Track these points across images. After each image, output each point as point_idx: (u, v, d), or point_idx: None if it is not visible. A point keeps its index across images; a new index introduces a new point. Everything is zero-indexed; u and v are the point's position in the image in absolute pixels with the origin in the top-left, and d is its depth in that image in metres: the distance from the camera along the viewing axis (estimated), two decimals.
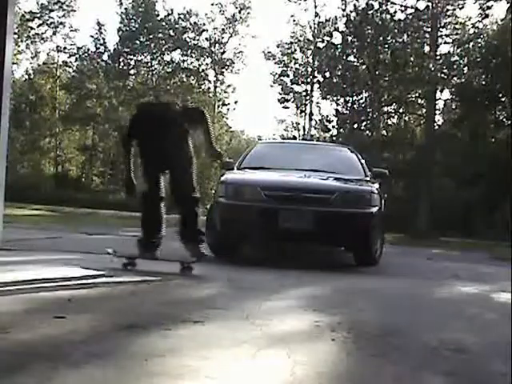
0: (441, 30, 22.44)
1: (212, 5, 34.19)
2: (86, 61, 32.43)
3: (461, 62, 22.42)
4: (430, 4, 21.79)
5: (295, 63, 30.77)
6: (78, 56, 32.27)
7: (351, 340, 2.79)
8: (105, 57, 32.61)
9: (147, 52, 32.65)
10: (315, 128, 29.25)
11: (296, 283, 4.81)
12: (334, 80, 24.67)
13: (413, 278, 5.89)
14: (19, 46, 28.72)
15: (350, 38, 23.38)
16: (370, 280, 5.40)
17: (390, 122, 27.06)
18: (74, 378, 2.02)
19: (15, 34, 25.48)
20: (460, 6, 22.59)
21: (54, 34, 31.08)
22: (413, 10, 22.00)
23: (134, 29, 32.20)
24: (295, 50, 31.06)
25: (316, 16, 28.85)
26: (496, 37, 21.69)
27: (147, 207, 5.50)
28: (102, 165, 32.79)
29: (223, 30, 33.74)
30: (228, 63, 34.11)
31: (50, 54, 32.80)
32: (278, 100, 30.47)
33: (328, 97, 26.38)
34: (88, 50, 32.13)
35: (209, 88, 34.59)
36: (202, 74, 33.78)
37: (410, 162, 22.46)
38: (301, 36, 30.83)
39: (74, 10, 30.86)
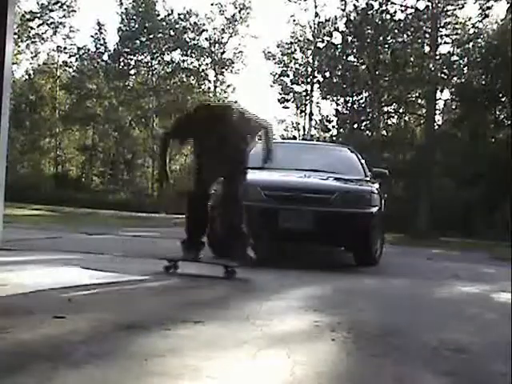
0: (441, 29, 22.45)
1: (212, 5, 34.25)
2: (86, 61, 32.45)
3: (461, 62, 22.44)
4: (429, 4, 21.80)
5: (295, 63, 30.77)
6: (78, 56, 32.30)
7: (351, 340, 2.79)
8: (105, 57, 32.66)
9: (147, 52, 32.67)
10: (315, 128, 29.27)
11: (296, 283, 4.81)
12: (334, 80, 24.69)
13: (413, 278, 5.89)
14: (19, 46, 28.73)
15: (350, 38, 23.39)
16: (370, 280, 5.39)
17: (390, 122, 27.08)
18: (75, 378, 2.02)
19: (15, 34, 25.48)
20: (460, 6, 22.61)
21: (54, 33, 31.10)
22: (413, 10, 22.01)
23: (134, 29, 32.22)
24: (295, 50, 31.06)
25: (316, 16, 28.86)
26: (496, 37, 21.70)
27: (194, 208, 5.31)
28: (102, 165, 32.80)
29: (223, 30, 33.76)
30: (228, 63, 34.12)
31: (50, 54, 32.85)
32: (278, 100, 30.48)
33: (328, 97, 26.40)
34: (88, 50, 32.19)
35: (209, 88, 34.61)
36: (202, 73, 33.80)
37: (410, 161, 22.48)
38: (301, 36, 30.84)
39: (74, 10, 30.90)
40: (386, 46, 22.88)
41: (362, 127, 24.96)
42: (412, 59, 22.18)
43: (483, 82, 21.80)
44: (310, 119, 29.23)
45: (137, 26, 32.24)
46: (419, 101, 24.02)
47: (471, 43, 22.24)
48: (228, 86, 34.88)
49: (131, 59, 32.87)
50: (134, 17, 32.29)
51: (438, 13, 21.96)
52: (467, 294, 5.00)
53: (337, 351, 2.61)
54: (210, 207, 5.33)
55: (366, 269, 6.23)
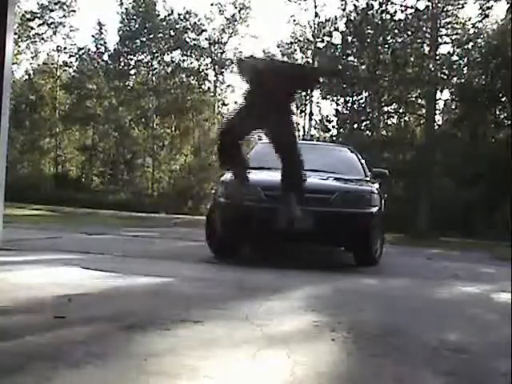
0: (441, 29, 22.44)
1: (212, 5, 34.32)
2: (86, 61, 32.45)
3: (461, 62, 22.43)
4: (429, 4, 21.79)
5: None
6: (78, 56, 32.30)
7: (351, 340, 2.79)
8: (105, 57, 32.67)
9: (147, 52, 32.68)
10: (315, 128, 29.28)
11: (296, 283, 4.81)
12: (334, 80, 24.66)
13: (413, 278, 5.89)
14: (19, 46, 28.74)
15: (349, 38, 23.38)
16: (370, 280, 5.39)
17: (389, 122, 27.08)
18: (75, 378, 2.02)
19: (15, 34, 25.49)
20: (460, 6, 22.61)
21: (54, 33, 31.14)
22: (413, 10, 22.00)
23: (134, 29, 32.24)
24: (295, 50, 31.09)
25: (316, 16, 28.88)
26: (496, 37, 21.69)
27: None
28: (102, 165, 32.80)
29: (223, 30, 33.77)
30: (228, 63, 34.13)
31: (50, 53, 32.86)
32: None
33: (328, 97, 26.39)
34: (88, 50, 32.21)
35: (209, 88, 34.62)
36: (202, 73, 33.80)
37: (410, 161, 22.46)
38: (301, 36, 30.88)
39: (74, 10, 30.94)
40: (386, 46, 22.87)
41: (362, 127, 24.95)
42: (412, 59, 22.16)
43: (483, 82, 21.78)
44: (310, 119, 29.24)
45: (137, 26, 32.25)
46: (419, 101, 24.00)
47: (471, 43, 22.24)
48: (228, 85, 34.91)
49: (131, 59, 32.89)
50: (134, 17, 32.30)
51: (438, 13, 21.95)
52: (467, 294, 5.00)
53: (337, 351, 2.61)
54: (209, 209, 5.34)
55: (366, 269, 6.23)
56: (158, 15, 32.45)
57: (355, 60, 24.04)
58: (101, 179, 32.25)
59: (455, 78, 22.48)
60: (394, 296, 4.55)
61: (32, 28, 29.96)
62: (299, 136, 30.56)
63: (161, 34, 32.28)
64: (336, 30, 24.84)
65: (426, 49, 22.53)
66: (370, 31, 22.58)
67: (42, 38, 31.05)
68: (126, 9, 32.42)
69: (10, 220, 7.46)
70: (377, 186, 6.88)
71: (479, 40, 22.32)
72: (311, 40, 29.26)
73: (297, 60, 30.67)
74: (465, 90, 21.42)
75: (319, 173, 6.84)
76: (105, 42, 32.45)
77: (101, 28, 32.23)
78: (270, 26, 56.18)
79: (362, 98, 25.33)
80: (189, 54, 32.89)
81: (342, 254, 7.22)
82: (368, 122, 24.94)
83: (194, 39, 33.03)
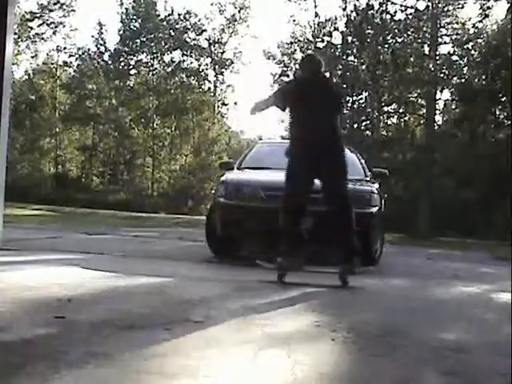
0: (441, 29, 22.44)
1: (211, 5, 34.28)
2: (86, 61, 32.44)
3: (461, 62, 22.42)
4: (429, 4, 21.78)
5: (295, 63, 30.76)
6: (78, 56, 32.31)
7: (351, 340, 2.78)
8: (105, 57, 32.66)
9: (147, 52, 32.67)
10: None
11: (296, 283, 4.80)
12: (334, 80, 24.65)
13: (413, 278, 5.89)
14: (19, 46, 28.72)
15: (350, 38, 23.38)
16: (370, 280, 5.39)
17: (389, 122, 27.06)
18: (75, 378, 2.02)
19: (15, 34, 25.49)
20: (460, 6, 22.61)
21: (54, 33, 31.11)
22: (413, 10, 21.99)
23: (134, 29, 32.23)
24: (295, 50, 31.06)
25: (316, 16, 28.84)
26: (496, 37, 21.68)
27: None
28: (102, 165, 32.81)
29: (223, 30, 33.77)
30: (228, 63, 34.13)
31: (50, 53, 32.85)
32: None
33: None
34: (88, 49, 32.21)
35: (209, 88, 34.62)
36: (202, 73, 33.80)
37: (410, 161, 22.45)
38: (301, 36, 30.83)
39: (74, 10, 30.90)
40: (386, 46, 22.86)
41: (362, 127, 24.95)
42: (412, 59, 22.16)
43: (483, 82, 21.78)
44: None
45: (137, 25, 32.26)
46: (419, 101, 24.00)
47: (471, 43, 22.23)
48: (228, 86, 34.91)
49: (131, 59, 32.89)
50: (134, 17, 32.31)
51: (438, 13, 21.94)
52: (467, 294, 5.00)
53: (337, 351, 2.61)
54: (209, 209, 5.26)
55: (366, 269, 6.23)
56: (158, 15, 32.45)
57: (355, 60, 24.03)
58: (101, 179, 32.25)
59: (455, 78, 22.48)
60: (393, 296, 4.55)
61: (32, 28, 29.95)
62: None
63: (161, 34, 32.28)
64: (336, 29, 24.82)
65: (426, 49, 22.52)
66: (370, 31, 22.57)
67: (42, 38, 31.04)
68: (126, 9, 32.42)
69: (10, 220, 7.46)
70: (377, 186, 6.88)
71: (479, 40, 22.31)
72: (311, 40, 29.24)
73: (296, 60, 30.65)
74: (465, 89, 21.41)
75: None
76: (105, 42, 32.49)
77: (101, 28, 32.27)
78: (270, 26, 56.33)
79: (361, 98, 25.32)
80: (189, 54, 32.89)
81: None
82: (368, 121, 24.93)
83: (194, 39, 33.04)
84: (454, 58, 22.17)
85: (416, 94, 23.57)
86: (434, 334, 3.07)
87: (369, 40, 22.72)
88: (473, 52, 22.11)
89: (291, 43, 31.05)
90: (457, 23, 22.79)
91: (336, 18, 26.17)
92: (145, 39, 32.32)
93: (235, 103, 34.74)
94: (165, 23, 32.34)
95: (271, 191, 6.21)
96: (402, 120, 26.47)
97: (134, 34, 32.10)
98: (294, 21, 30.52)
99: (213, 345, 2.53)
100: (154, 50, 32.49)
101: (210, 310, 3.27)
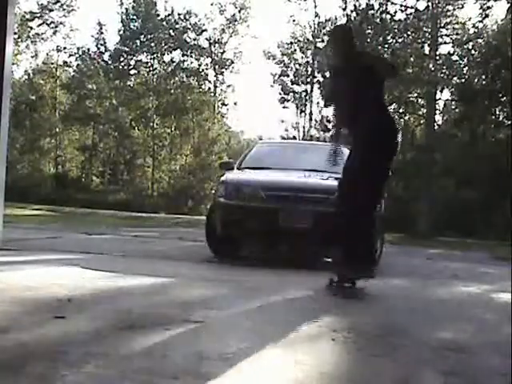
0: (441, 30, 22.43)
1: (212, 5, 34.33)
2: (86, 61, 32.45)
3: (461, 62, 22.42)
4: (429, 4, 21.78)
5: (295, 63, 30.79)
6: (77, 56, 32.32)
7: (351, 340, 2.78)
8: (105, 57, 32.68)
9: (147, 52, 32.67)
10: (315, 128, 29.29)
11: (296, 283, 4.80)
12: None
13: (413, 278, 5.89)
14: (19, 46, 28.72)
15: None
16: (370, 280, 5.38)
17: None
18: (74, 378, 2.02)
19: (15, 33, 25.49)
20: (460, 6, 22.60)
21: (54, 33, 31.11)
22: (413, 10, 21.99)
23: (134, 29, 32.23)
24: (295, 50, 31.08)
25: (316, 16, 28.90)
26: (496, 37, 21.68)
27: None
28: (102, 165, 32.83)
29: (223, 30, 33.78)
30: (228, 63, 34.13)
31: (50, 53, 32.86)
32: (278, 100, 30.51)
33: None
34: (88, 49, 32.22)
35: (209, 88, 34.62)
36: (202, 74, 33.80)
37: (410, 161, 22.45)
38: (301, 36, 30.86)
39: (74, 10, 30.89)
40: (386, 46, 22.86)
41: None
42: (412, 59, 22.15)
43: (483, 82, 21.78)
44: (310, 119, 29.25)
45: (137, 25, 32.26)
46: (419, 101, 24.01)
47: (471, 43, 22.23)
48: (228, 86, 34.91)
49: (131, 59, 32.90)
50: (134, 17, 32.31)
51: (438, 13, 21.93)
52: (467, 294, 5.00)
53: (337, 351, 2.61)
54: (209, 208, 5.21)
55: None
56: (158, 15, 32.46)
57: None
58: (101, 179, 32.26)
59: (455, 78, 22.48)
60: (393, 296, 4.55)
61: (32, 28, 29.94)
62: (299, 136, 30.60)
63: (161, 34, 32.28)
64: None
65: (426, 49, 22.52)
66: (370, 31, 22.57)
67: (42, 38, 31.04)
68: (126, 9, 32.44)
69: (10, 220, 7.46)
70: None
71: (479, 40, 22.31)
72: (311, 40, 29.26)
73: (296, 60, 30.67)
74: (465, 89, 21.41)
75: (319, 173, 6.83)
76: (105, 42, 32.51)
77: (101, 28, 32.29)
78: (270, 26, 56.37)
79: None
80: (189, 53, 32.89)
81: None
82: None
83: (194, 39, 33.04)
84: (454, 57, 22.17)
85: (416, 94, 23.57)
86: (433, 334, 3.07)
87: (369, 40, 22.71)
88: (473, 52, 22.10)
89: (291, 43, 31.08)
90: (457, 23, 22.78)
91: (336, 18, 26.24)
92: (145, 39, 32.32)
93: (235, 103, 34.83)
94: (165, 23, 32.34)
95: (271, 191, 6.22)
96: (401, 120, 26.47)
97: (134, 34, 32.10)
98: (293, 21, 30.58)
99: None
100: (154, 50, 32.49)
101: (209, 311, 3.27)
